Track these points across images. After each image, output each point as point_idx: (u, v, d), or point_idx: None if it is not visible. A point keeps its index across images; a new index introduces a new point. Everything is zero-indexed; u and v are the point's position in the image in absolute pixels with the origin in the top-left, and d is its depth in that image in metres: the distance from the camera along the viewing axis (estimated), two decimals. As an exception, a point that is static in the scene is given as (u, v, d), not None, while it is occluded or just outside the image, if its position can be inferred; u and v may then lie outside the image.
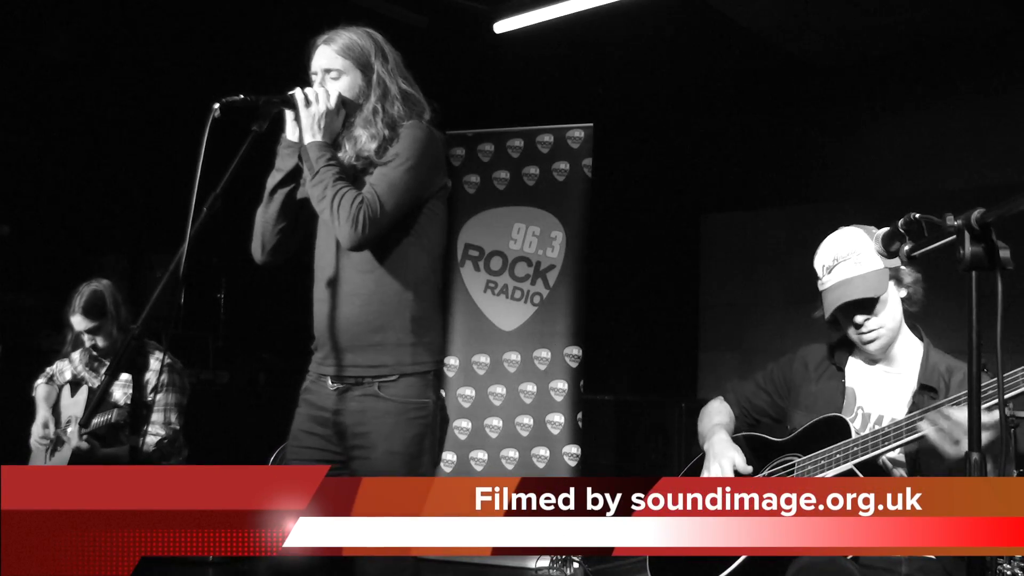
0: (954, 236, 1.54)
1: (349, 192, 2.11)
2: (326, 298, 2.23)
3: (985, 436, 1.75)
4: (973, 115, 5.82)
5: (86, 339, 3.46)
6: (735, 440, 2.33)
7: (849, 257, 2.14)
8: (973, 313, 1.51)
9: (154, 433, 3.37)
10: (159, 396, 3.44)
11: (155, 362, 3.42)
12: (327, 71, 2.26)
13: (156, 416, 3.41)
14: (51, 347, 5.12)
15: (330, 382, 2.20)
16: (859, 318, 2.12)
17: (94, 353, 3.50)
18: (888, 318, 2.13)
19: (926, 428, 1.90)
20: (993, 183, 5.54)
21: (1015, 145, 5.56)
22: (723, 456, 2.25)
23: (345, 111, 2.25)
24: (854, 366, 2.24)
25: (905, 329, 2.18)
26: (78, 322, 3.42)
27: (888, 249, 1.72)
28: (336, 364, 2.19)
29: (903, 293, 2.15)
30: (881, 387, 2.17)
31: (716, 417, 2.41)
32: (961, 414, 1.83)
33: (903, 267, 2.10)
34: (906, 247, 1.68)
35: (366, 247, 2.15)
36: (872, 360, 2.21)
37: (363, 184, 2.18)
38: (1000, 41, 5.56)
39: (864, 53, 5.95)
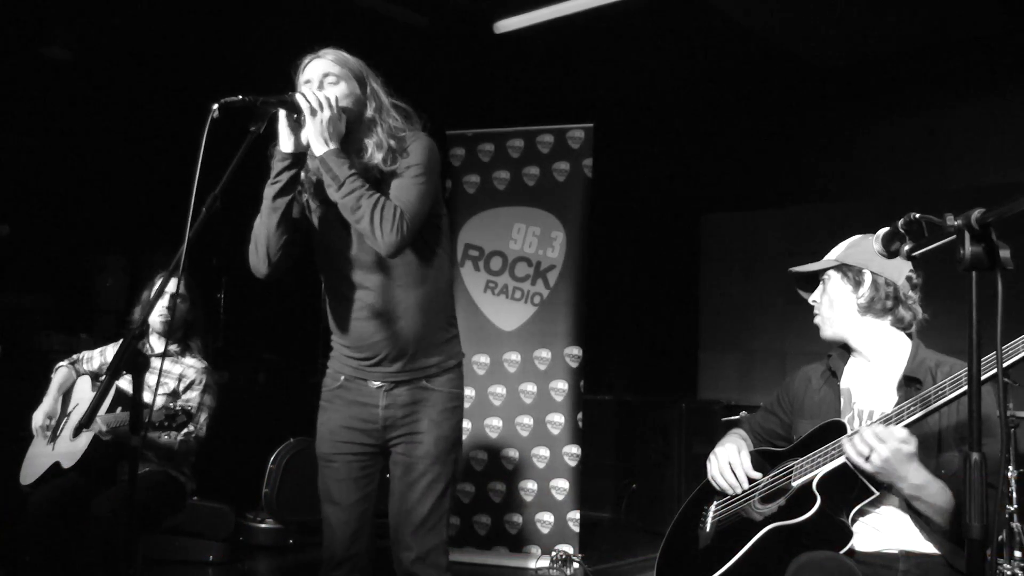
0: (954, 236, 1.54)
1: (389, 202, 2.19)
2: (372, 315, 2.33)
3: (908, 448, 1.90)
4: (973, 115, 5.82)
5: (165, 302, 3.44)
6: (759, 452, 2.43)
7: (831, 251, 2.36)
8: (973, 313, 1.51)
9: (188, 430, 3.40)
10: (195, 394, 3.49)
11: (198, 362, 3.55)
12: (325, 75, 2.28)
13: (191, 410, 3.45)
14: (51, 347, 5.13)
15: (375, 382, 2.37)
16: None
17: (163, 319, 3.46)
18: (826, 304, 2.31)
19: (846, 446, 2.01)
20: (993, 183, 5.54)
21: (1015, 145, 5.56)
22: (727, 442, 2.42)
23: (345, 117, 2.26)
24: (849, 368, 2.31)
25: (890, 329, 2.23)
26: (173, 283, 3.43)
27: (888, 249, 1.72)
28: (385, 371, 2.36)
29: (848, 290, 2.26)
30: (870, 383, 2.23)
31: (730, 436, 2.53)
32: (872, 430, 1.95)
33: (868, 275, 2.23)
34: (906, 247, 1.68)
35: (400, 253, 2.25)
36: (860, 356, 2.28)
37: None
38: (1000, 42, 5.56)
39: (864, 53, 5.95)
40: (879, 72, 6.07)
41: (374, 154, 2.25)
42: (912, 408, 1.96)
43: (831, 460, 2.07)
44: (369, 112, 2.29)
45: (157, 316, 3.50)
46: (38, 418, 3.45)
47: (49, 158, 6.24)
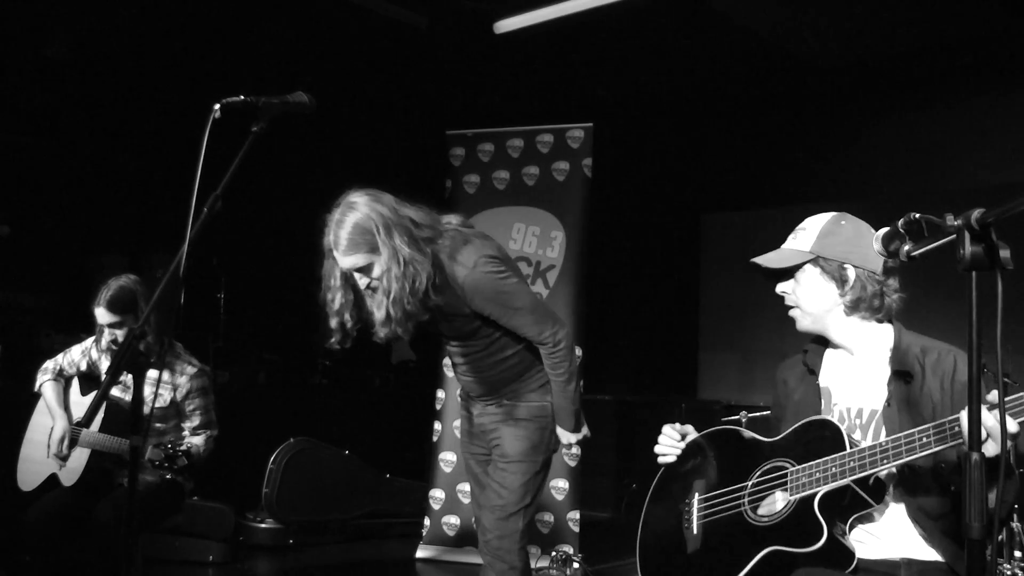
0: (954, 236, 1.54)
1: (557, 358, 2.85)
2: (461, 366, 2.93)
3: (992, 447, 1.68)
4: (973, 115, 5.83)
5: (106, 334, 3.40)
6: (725, 431, 2.33)
7: (797, 232, 2.19)
8: (973, 313, 1.51)
9: (208, 433, 3.48)
10: (199, 400, 3.47)
11: (190, 367, 3.47)
12: (358, 272, 2.58)
13: (202, 418, 3.48)
14: (51, 347, 5.13)
15: (476, 404, 2.98)
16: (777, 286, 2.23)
17: (114, 347, 3.42)
18: (803, 298, 2.18)
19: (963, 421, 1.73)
20: (993, 183, 5.55)
21: (1015, 145, 5.56)
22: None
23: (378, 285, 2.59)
24: (828, 363, 2.23)
25: (875, 324, 2.15)
26: (101, 315, 3.36)
27: (888, 249, 1.71)
28: (479, 398, 2.96)
29: (835, 290, 2.13)
30: (853, 379, 2.16)
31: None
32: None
33: (852, 271, 2.10)
34: (906, 247, 1.68)
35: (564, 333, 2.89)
36: (839, 349, 2.20)
37: (448, 317, 2.73)
38: (1000, 41, 5.57)
39: (864, 53, 5.95)
40: (879, 72, 6.08)
41: (418, 293, 2.56)
42: (925, 441, 1.82)
43: (833, 480, 1.95)
44: (400, 261, 2.53)
45: (108, 340, 3.42)
46: (55, 443, 3.35)
47: (49, 158, 6.24)
